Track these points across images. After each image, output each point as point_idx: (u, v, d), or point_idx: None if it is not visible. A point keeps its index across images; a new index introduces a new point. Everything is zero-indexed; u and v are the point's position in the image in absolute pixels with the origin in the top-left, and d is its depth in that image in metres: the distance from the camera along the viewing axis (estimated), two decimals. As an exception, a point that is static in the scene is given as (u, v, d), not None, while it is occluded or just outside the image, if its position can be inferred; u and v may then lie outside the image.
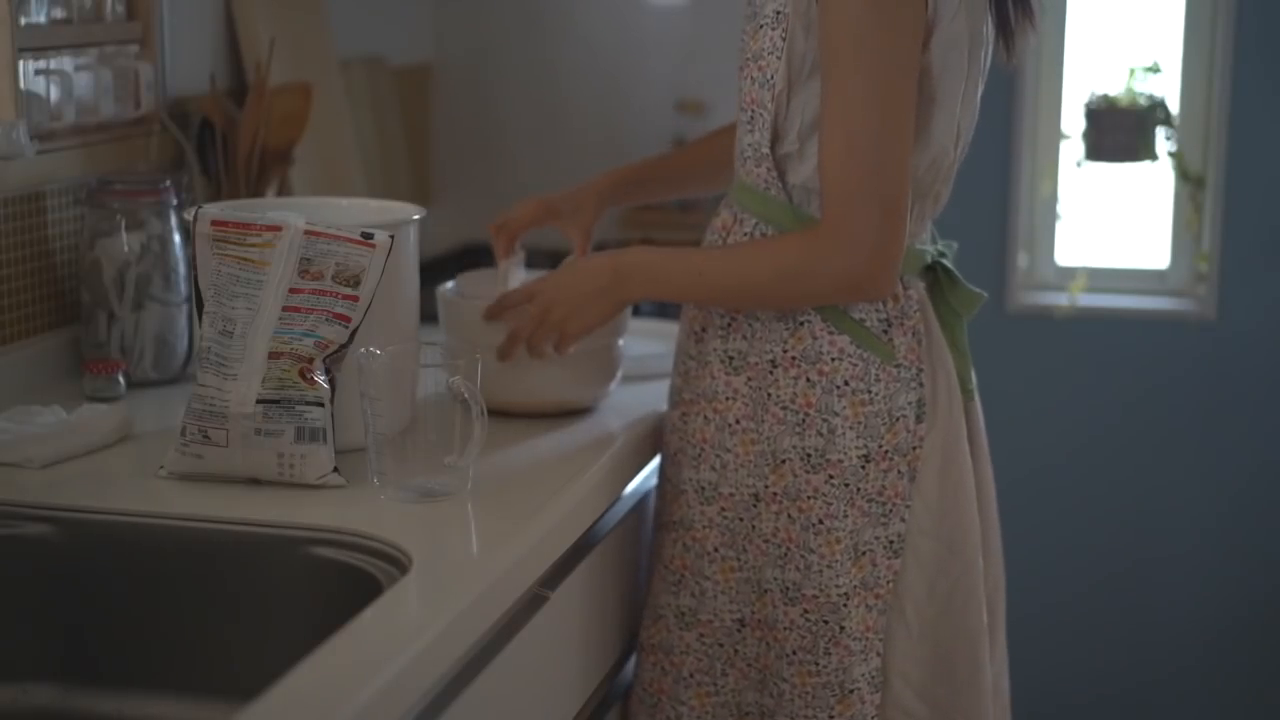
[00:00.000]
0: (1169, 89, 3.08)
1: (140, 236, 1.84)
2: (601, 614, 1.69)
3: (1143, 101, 3.05)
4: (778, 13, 1.66)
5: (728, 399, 1.68)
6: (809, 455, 1.64)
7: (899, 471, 1.65)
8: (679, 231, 2.80)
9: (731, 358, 1.68)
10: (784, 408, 1.65)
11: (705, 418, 1.69)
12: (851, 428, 1.64)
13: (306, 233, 1.50)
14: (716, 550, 1.69)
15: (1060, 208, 3.16)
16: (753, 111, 1.69)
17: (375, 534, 1.36)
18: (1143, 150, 3.06)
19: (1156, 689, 3.16)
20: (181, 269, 1.87)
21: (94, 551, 1.43)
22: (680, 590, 1.72)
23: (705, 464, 1.69)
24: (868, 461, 1.64)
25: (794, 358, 1.65)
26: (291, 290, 1.49)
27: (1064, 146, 3.13)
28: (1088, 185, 3.17)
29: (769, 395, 1.66)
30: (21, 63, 1.77)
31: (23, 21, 1.79)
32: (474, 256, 2.61)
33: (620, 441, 1.70)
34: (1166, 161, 3.08)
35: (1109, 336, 3.11)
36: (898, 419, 1.64)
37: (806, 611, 1.65)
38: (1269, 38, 2.98)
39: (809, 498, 1.64)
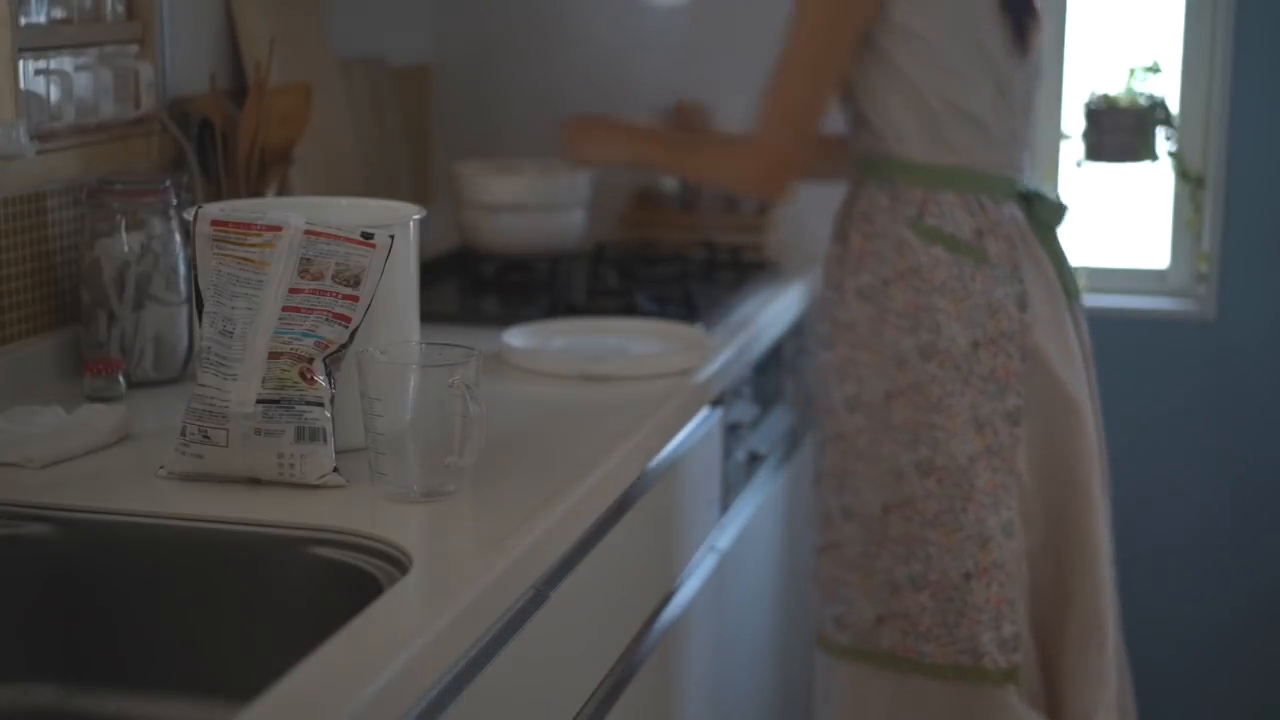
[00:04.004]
0: (1169, 89, 3.08)
1: (140, 236, 1.84)
2: (602, 613, 1.69)
3: (1143, 101, 3.05)
4: None
5: (859, 322, 2.06)
6: (922, 349, 2.02)
7: (1008, 354, 2.02)
8: (681, 231, 2.80)
9: (861, 289, 2.06)
10: (899, 315, 2.03)
11: (846, 341, 2.08)
12: (956, 320, 2.01)
13: (306, 233, 1.50)
14: (863, 450, 2.06)
15: (1060, 208, 3.16)
16: (839, 94, 2.14)
17: (375, 534, 1.36)
18: (1143, 150, 3.06)
19: (1154, 685, 3.15)
20: (181, 269, 1.87)
21: (94, 551, 1.43)
22: (842, 490, 2.08)
23: (849, 379, 2.07)
24: (977, 347, 2.01)
25: (902, 273, 2.03)
26: (291, 290, 1.49)
27: (1064, 146, 3.13)
28: (1088, 185, 3.17)
29: (886, 309, 2.04)
30: (21, 63, 1.77)
31: (23, 21, 1.79)
32: (474, 257, 2.61)
33: (621, 441, 1.70)
34: (1166, 161, 3.08)
35: (1109, 336, 3.11)
36: (998, 309, 2.02)
37: (940, 480, 2.01)
38: (1269, 38, 2.98)
39: (928, 383, 2.00)
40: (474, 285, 2.53)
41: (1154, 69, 3.07)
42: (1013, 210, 2.07)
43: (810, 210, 2.90)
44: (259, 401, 1.47)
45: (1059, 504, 2.08)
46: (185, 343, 1.88)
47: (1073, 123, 3.12)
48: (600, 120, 2.35)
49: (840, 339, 2.09)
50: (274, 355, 1.48)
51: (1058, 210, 2.12)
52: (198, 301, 1.52)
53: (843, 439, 2.08)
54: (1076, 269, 3.09)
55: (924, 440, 2.02)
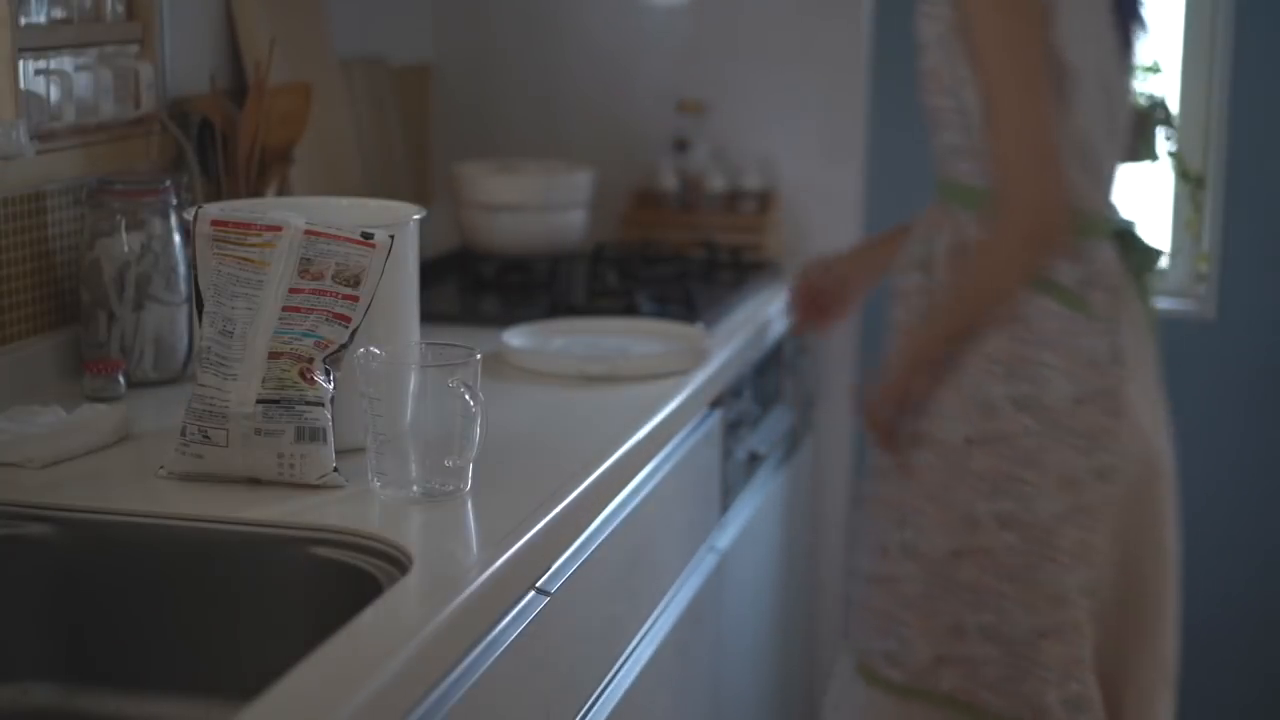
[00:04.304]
0: (1169, 89, 3.08)
1: (140, 236, 1.84)
2: (602, 613, 1.69)
3: (1143, 101, 3.05)
4: (940, 34, 1.97)
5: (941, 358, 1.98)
6: (1017, 400, 1.94)
7: (1103, 409, 1.94)
8: (681, 231, 2.80)
9: None
10: (992, 360, 1.95)
11: (939, 379, 1.99)
12: (1063, 375, 1.93)
13: (306, 233, 1.50)
14: (932, 490, 1.99)
15: (1060, 208, 3.16)
16: (938, 119, 2.01)
17: (375, 534, 1.36)
18: (1143, 150, 3.05)
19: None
20: (181, 269, 1.87)
21: (94, 551, 1.43)
22: (904, 526, 2.01)
23: (921, 413, 1.99)
24: (1078, 404, 1.93)
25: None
26: (291, 290, 1.49)
27: (1064, 146, 3.13)
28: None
29: (976, 350, 1.95)
30: (21, 63, 1.77)
31: (23, 21, 1.79)
32: (474, 257, 2.61)
33: (621, 441, 1.70)
34: (1166, 161, 3.08)
35: (1109, 336, 3.11)
36: (1096, 363, 1.94)
37: (1023, 536, 1.94)
38: (1269, 38, 2.98)
39: (1019, 436, 1.93)
40: (474, 285, 2.53)
41: (1154, 69, 3.07)
42: (1109, 252, 1.99)
43: (810, 210, 2.90)
44: (259, 401, 1.47)
45: (1135, 559, 2.02)
46: (185, 343, 1.88)
47: (1073, 123, 3.12)
48: (890, 379, 2.05)
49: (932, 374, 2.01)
50: (274, 355, 1.48)
51: (1152, 256, 2.04)
52: (198, 301, 1.52)
53: (909, 473, 2.02)
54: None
55: (1008, 493, 1.95)
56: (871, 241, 2.34)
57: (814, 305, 2.33)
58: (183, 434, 1.50)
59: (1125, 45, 1.99)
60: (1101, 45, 1.95)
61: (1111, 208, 2.04)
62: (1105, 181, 2.01)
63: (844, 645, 2.18)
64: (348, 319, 1.49)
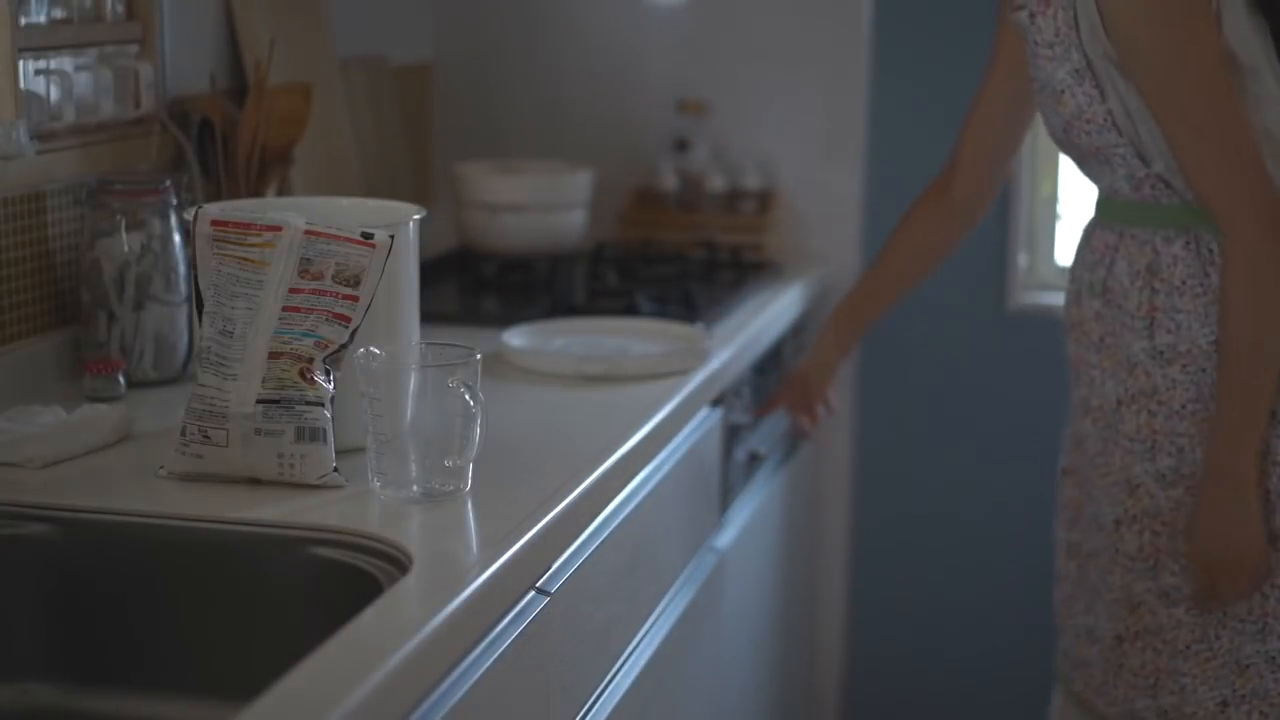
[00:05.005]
0: None
1: (140, 236, 1.84)
2: (602, 614, 1.69)
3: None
4: (1076, 71, 1.87)
5: (1168, 390, 1.89)
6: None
7: None
8: (681, 231, 2.81)
9: (1161, 352, 1.89)
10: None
11: (1150, 412, 1.90)
12: None
13: (306, 233, 1.50)
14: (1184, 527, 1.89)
15: (1060, 208, 3.16)
16: (1107, 155, 1.91)
17: (375, 534, 1.36)
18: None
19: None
20: (181, 269, 1.87)
21: (94, 551, 1.43)
22: (1159, 573, 1.91)
23: (1161, 453, 1.89)
24: None
25: None
26: (291, 290, 1.49)
27: (1064, 146, 3.12)
28: (1088, 185, 3.17)
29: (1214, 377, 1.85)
30: (21, 63, 1.78)
31: (23, 21, 1.79)
32: (474, 257, 2.61)
33: (621, 441, 1.70)
34: None
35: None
36: None
37: None
38: (1269, 38, 2.98)
39: (1274, 461, 1.84)
40: (474, 285, 2.53)
41: None
42: None
43: (810, 210, 2.90)
44: (259, 401, 1.47)
45: None
46: (185, 343, 1.88)
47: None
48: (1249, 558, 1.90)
49: (1136, 407, 1.92)
50: (274, 355, 1.48)
51: None
52: (198, 301, 1.52)
53: (1156, 517, 1.92)
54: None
55: (1277, 509, 1.86)
56: (823, 340, 2.37)
57: (804, 409, 2.37)
58: (183, 434, 1.50)
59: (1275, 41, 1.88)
60: (1261, 40, 1.85)
61: None
62: None
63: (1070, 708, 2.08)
64: (348, 319, 1.49)
